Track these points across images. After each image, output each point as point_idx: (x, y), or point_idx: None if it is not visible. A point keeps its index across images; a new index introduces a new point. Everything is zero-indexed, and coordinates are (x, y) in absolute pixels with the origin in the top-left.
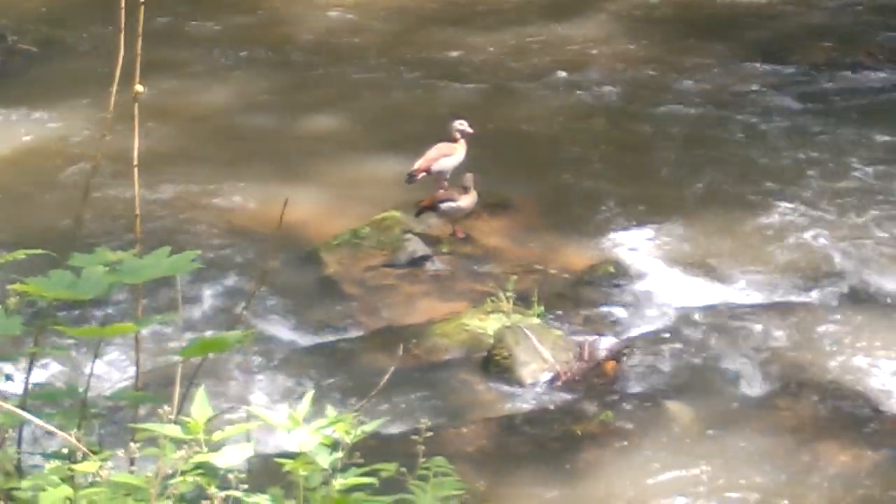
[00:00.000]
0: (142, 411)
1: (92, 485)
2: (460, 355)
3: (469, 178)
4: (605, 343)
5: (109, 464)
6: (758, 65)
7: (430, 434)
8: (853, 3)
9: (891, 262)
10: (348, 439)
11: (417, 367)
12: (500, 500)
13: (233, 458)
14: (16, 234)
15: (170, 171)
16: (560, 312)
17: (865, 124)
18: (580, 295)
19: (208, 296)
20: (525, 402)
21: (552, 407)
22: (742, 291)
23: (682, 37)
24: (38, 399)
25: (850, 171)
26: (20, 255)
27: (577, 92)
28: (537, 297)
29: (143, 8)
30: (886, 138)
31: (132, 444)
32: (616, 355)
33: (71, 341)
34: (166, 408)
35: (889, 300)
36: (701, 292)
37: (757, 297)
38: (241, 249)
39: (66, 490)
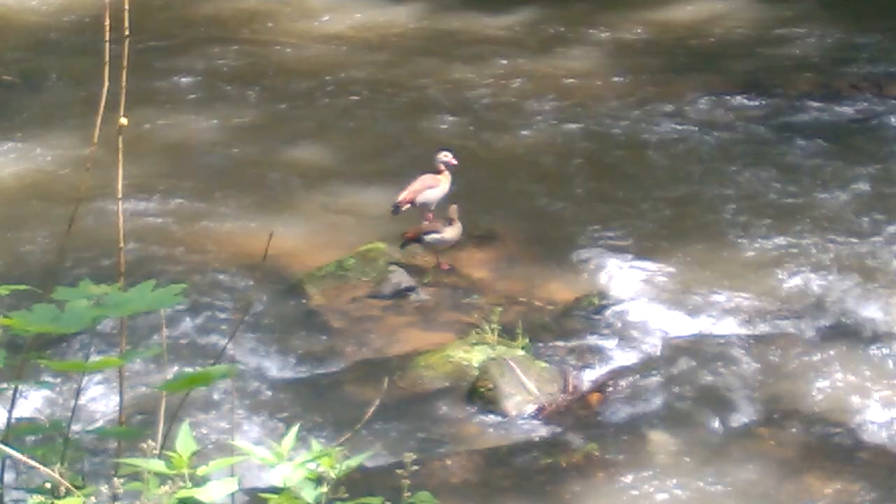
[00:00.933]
0: (126, 445)
1: None
2: (445, 387)
3: (454, 209)
4: (590, 375)
5: (93, 499)
6: (741, 96)
7: (415, 467)
8: (836, 35)
9: (872, 293)
10: (333, 473)
11: (402, 399)
12: None
13: (217, 493)
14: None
15: (155, 203)
16: (545, 344)
17: (848, 156)
18: (565, 326)
19: (193, 329)
20: (510, 434)
21: (537, 439)
22: (725, 322)
23: (665, 69)
24: (21, 433)
25: (833, 203)
26: (2, 290)
27: (561, 124)
28: (522, 329)
29: (127, 40)
30: (869, 170)
31: (116, 479)
32: (600, 387)
33: (55, 375)
34: (150, 442)
35: (871, 331)
36: (685, 323)
37: (740, 328)
38: (225, 281)
39: None
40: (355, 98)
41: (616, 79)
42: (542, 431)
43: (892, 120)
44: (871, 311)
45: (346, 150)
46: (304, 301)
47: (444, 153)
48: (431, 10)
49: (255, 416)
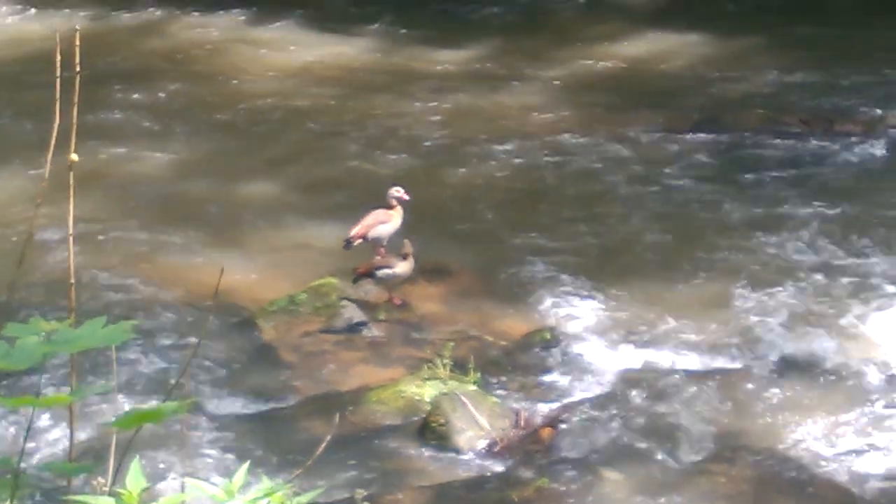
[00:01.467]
0: (76, 482)
1: None
2: (397, 422)
3: (408, 244)
4: (542, 410)
5: None
6: (691, 132)
7: (366, 503)
8: (786, 71)
9: (822, 328)
10: None
11: (354, 434)
12: None
13: None
14: None
15: (106, 239)
16: (497, 379)
17: (798, 191)
18: (517, 362)
19: (144, 364)
20: (462, 469)
21: (489, 474)
22: (677, 358)
23: (617, 105)
24: None
25: (785, 239)
26: None
27: (513, 158)
28: (474, 364)
29: (78, 76)
30: (820, 206)
31: None
32: (552, 422)
33: (4, 411)
34: (100, 479)
35: (822, 367)
36: (636, 359)
37: (692, 364)
38: (177, 317)
39: None
40: (307, 133)
41: (567, 114)
42: (494, 466)
43: (843, 156)
44: (821, 347)
45: (298, 185)
46: (256, 336)
47: (397, 188)
48: (384, 45)
49: (206, 451)
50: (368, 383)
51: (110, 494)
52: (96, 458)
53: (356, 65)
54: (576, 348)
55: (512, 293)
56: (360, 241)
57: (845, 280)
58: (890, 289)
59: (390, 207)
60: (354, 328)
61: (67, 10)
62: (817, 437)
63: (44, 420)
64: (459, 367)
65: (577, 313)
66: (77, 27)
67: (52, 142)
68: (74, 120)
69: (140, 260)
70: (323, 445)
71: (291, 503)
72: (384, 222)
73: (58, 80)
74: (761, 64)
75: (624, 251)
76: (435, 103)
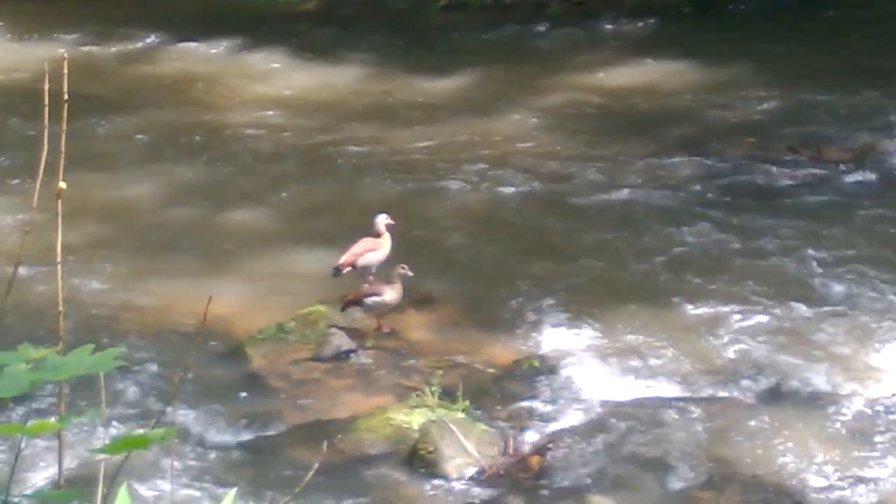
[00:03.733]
0: None
1: None
2: (385, 450)
3: (398, 270)
4: (530, 437)
5: None
6: (680, 159)
7: None
8: (774, 98)
9: (810, 356)
10: None
11: (342, 462)
12: None
13: None
14: None
15: (94, 267)
16: (485, 407)
17: (787, 219)
18: (505, 389)
19: (132, 392)
20: (450, 497)
21: (477, 502)
22: (665, 385)
23: (604, 133)
24: None
25: (773, 266)
26: None
27: (500, 186)
28: (462, 392)
29: (66, 105)
30: (808, 233)
31: None
32: (541, 449)
33: None
34: None
35: (809, 394)
36: (625, 386)
37: (681, 391)
38: (165, 344)
39: None
40: (295, 160)
41: (555, 142)
42: (482, 494)
43: (831, 183)
44: (809, 375)
45: (286, 213)
46: (244, 364)
47: (383, 215)
48: (371, 73)
49: (194, 479)
50: (357, 411)
51: None
52: (85, 485)
53: (343, 93)
54: (564, 376)
55: (500, 321)
56: (349, 269)
57: (835, 308)
58: (880, 317)
59: (378, 235)
60: (343, 356)
61: (55, 39)
62: (806, 466)
63: (32, 448)
64: (448, 395)
65: (565, 341)
66: (65, 55)
67: (41, 170)
68: (62, 148)
69: (128, 288)
70: (311, 473)
71: None
72: (373, 250)
73: (45, 108)
74: (749, 92)
75: (612, 279)
76: (423, 131)
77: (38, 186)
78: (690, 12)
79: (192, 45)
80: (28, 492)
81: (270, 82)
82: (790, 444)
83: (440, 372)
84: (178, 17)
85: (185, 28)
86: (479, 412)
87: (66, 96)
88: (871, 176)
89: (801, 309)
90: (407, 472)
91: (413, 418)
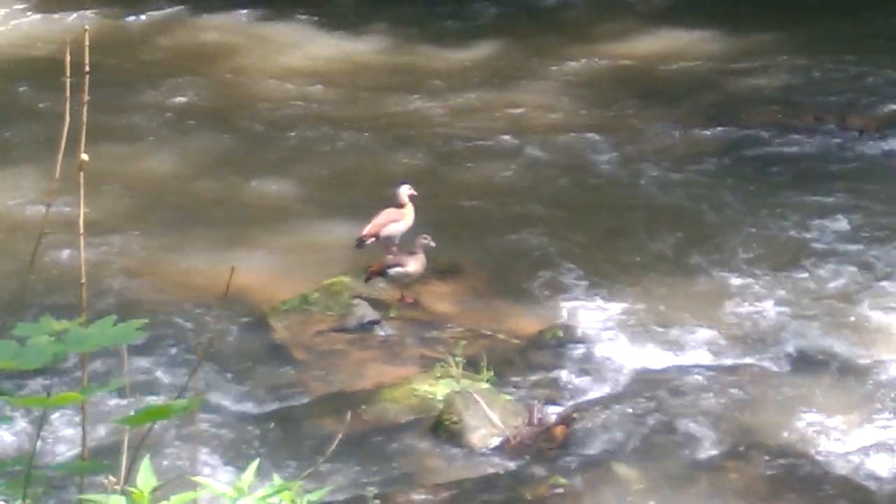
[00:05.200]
0: (89, 481)
1: None
2: (409, 420)
3: (421, 240)
4: (555, 407)
5: None
6: (703, 129)
7: (377, 502)
8: (798, 66)
9: (837, 325)
10: None
11: (366, 432)
12: None
13: None
14: None
15: (117, 238)
16: (509, 377)
17: (811, 187)
18: (529, 359)
19: (155, 363)
20: (475, 467)
21: (502, 472)
22: (691, 354)
23: (628, 102)
24: None
25: (800, 235)
26: None
27: (524, 156)
28: (486, 362)
29: (87, 77)
30: (833, 201)
31: None
32: (565, 419)
33: (17, 411)
34: (111, 478)
35: (837, 363)
36: (650, 355)
37: (706, 360)
38: (188, 316)
39: None
40: (317, 132)
41: (578, 112)
42: (507, 464)
43: (855, 151)
44: (836, 343)
45: (309, 185)
46: (268, 335)
47: (406, 186)
48: (393, 44)
49: (217, 449)
50: (381, 382)
51: (122, 493)
52: (109, 456)
53: (366, 63)
54: (588, 346)
55: (523, 291)
56: (372, 240)
57: (860, 276)
58: None
59: (401, 206)
60: (367, 327)
61: (77, 11)
62: (832, 434)
63: (56, 419)
64: (472, 365)
65: (589, 311)
66: (86, 27)
67: (63, 142)
68: (84, 120)
69: (151, 259)
70: (334, 443)
71: (302, 501)
72: (396, 221)
73: (67, 81)
74: (774, 60)
75: (636, 248)
76: (445, 101)
77: (60, 159)
78: None
79: (215, 15)
80: (53, 463)
81: (292, 53)
82: (817, 412)
83: (464, 342)
84: None
85: None
86: (503, 382)
87: (87, 68)
88: (895, 143)
89: (828, 277)
90: (431, 442)
91: (437, 389)
